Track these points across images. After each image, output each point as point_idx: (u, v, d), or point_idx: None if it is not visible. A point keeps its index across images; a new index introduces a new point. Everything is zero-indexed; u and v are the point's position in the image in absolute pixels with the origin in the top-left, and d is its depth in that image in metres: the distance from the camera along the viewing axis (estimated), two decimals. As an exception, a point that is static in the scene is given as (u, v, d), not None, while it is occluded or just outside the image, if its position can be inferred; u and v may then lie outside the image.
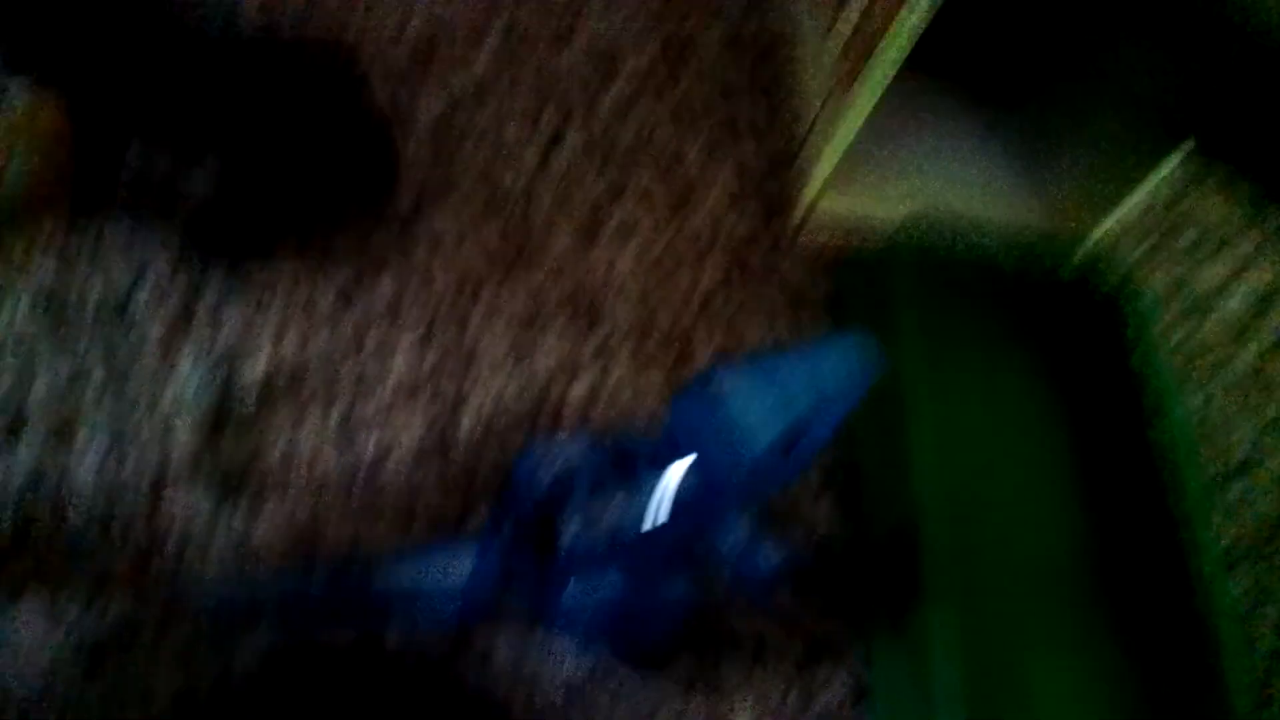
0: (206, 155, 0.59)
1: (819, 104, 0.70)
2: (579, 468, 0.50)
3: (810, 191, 0.71)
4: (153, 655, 0.51)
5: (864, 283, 0.69)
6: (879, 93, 0.61)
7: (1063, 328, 0.73)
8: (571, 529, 0.48)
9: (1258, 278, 0.82)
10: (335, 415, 0.59)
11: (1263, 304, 0.82)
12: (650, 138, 0.74)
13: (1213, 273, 0.82)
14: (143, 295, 0.60)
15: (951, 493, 0.60)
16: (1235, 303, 0.81)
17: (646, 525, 0.47)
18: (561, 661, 0.56)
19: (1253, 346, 0.79)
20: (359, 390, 0.60)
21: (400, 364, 0.61)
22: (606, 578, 0.49)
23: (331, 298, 0.62)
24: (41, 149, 0.50)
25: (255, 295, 0.61)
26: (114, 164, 0.59)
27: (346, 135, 0.62)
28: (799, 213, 0.72)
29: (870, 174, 0.73)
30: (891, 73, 0.60)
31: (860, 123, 0.64)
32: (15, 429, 0.55)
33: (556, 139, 0.72)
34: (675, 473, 0.47)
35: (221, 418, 0.58)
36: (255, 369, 0.59)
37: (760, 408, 0.44)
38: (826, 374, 0.45)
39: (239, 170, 0.59)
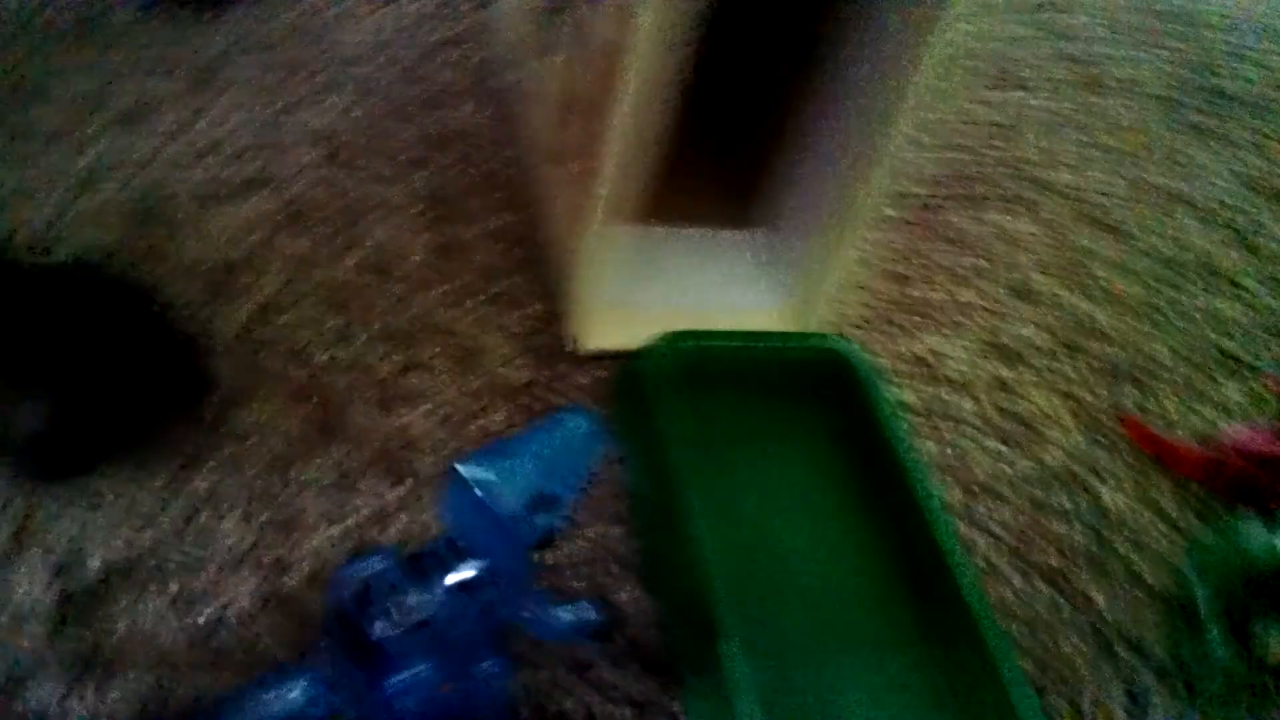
0: (31, 390, 0.67)
1: (570, 260, 0.84)
2: (373, 577, 0.57)
3: (574, 332, 0.84)
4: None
5: (631, 390, 0.80)
6: (609, 234, 0.75)
7: (808, 394, 0.85)
8: (376, 628, 0.55)
9: (971, 339, 0.97)
10: (169, 595, 0.65)
11: (985, 357, 0.96)
12: (426, 322, 0.85)
13: (926, 340, 0.96)
14: (-25, 528, 0.66)
15: (729, 548, 0.70)
16: (957, 363, 0.95)
17: (439, 611, 0.55)
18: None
19: (981, 397, 0.93)
20: (190, 571, 0.67)
21: (224, 543, 0.68)
22: (420, 669, 0.56)
23: (154, 497, 0.69)
24: None
25: (86, 503, 0.68)
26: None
27: (155, 357, 0.72)
28: (569, 351, 0.84)
29: (626, 310, 0.87)
30: (597, 217, 0.74)
31: (597, 267, 0.78)
32: None
33: (343, 336, 0.82)
34: (458, 563, 0.55)
35: (64, 614, 0.63)
36: (92, 566, 0.65)
37: (503, 483, 0.53)
38: (556, 446, 0.55)
39: (64, 399, 0.67)
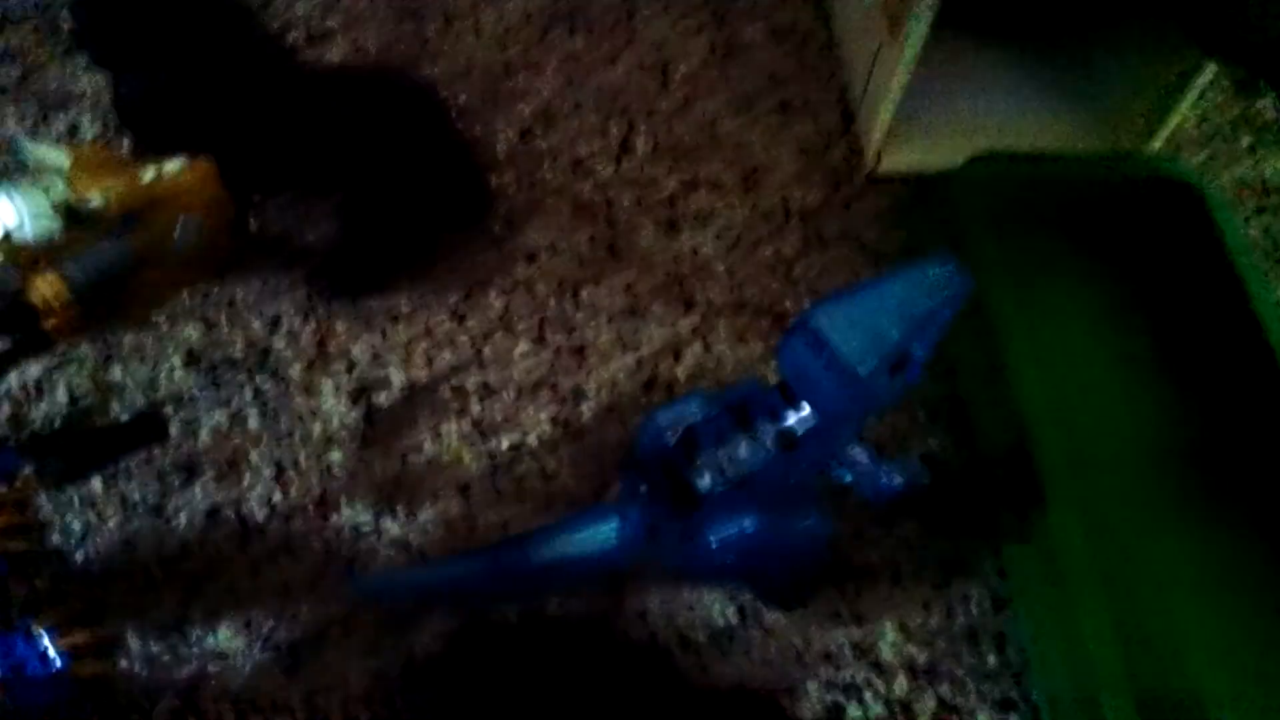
0: (317, 206, 0.65)
1: (868, 66, 0.75)
2: (700, 424, 0.54)
3: (871, 150, 0.76)
4: (343, 650, 0.56)
5: (936, 220, 0.72)
6: (922, 40, 0.65)
7: (1141, 228, 0.75)
8: (704, 480, 0.52)
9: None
10: (469, 420, 0.64)
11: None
12: (712, 132, 0.78)
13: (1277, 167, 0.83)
14: (279, 343, 0.66)
15: (1055, 400, 0.63)
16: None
17: (769, 464, 0.51)
18: (712, 609, 0.59)
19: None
20: (487, 395, 0.65)
21: (518, 368, 0.66)
22: (743, 520, 0.53)
23: (446, 319, 0.68)
24: (211, 214, 0.56)
25: (379, 326, 0.67)
26: (242, 224, 0.66)
27: (438, 168, 0.68)
28: (864, 172, 0.76)
29: (925, 126, 0.77)
30: (930, 17, 0.64)
31: (908, 74, 0.68)
32: (190, 473, 0.61)
33: (625, 147, 0.77)
34: (791, 414, 0.51)
35: (368, 437, 0.63)
36: (390, 391, 0.65)
37: (859, 337, 0.47)
38: (915, 297, 0.48)
39: (352, 213, 0.65)
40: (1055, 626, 0.58)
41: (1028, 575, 0.61)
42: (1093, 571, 0.56)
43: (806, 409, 0.50)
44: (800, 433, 0.51)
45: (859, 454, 0.54)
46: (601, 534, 0.56)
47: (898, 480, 0.54)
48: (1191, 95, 0.76)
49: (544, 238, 0.72)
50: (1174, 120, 0.78)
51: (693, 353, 0.68)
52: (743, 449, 0.52)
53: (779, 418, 0.51)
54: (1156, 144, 0.80)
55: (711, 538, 0.53)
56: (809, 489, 0.55)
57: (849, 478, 0.54)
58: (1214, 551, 0.65)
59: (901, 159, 0.77)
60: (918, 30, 0.66)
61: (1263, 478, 0.67)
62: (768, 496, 0.53)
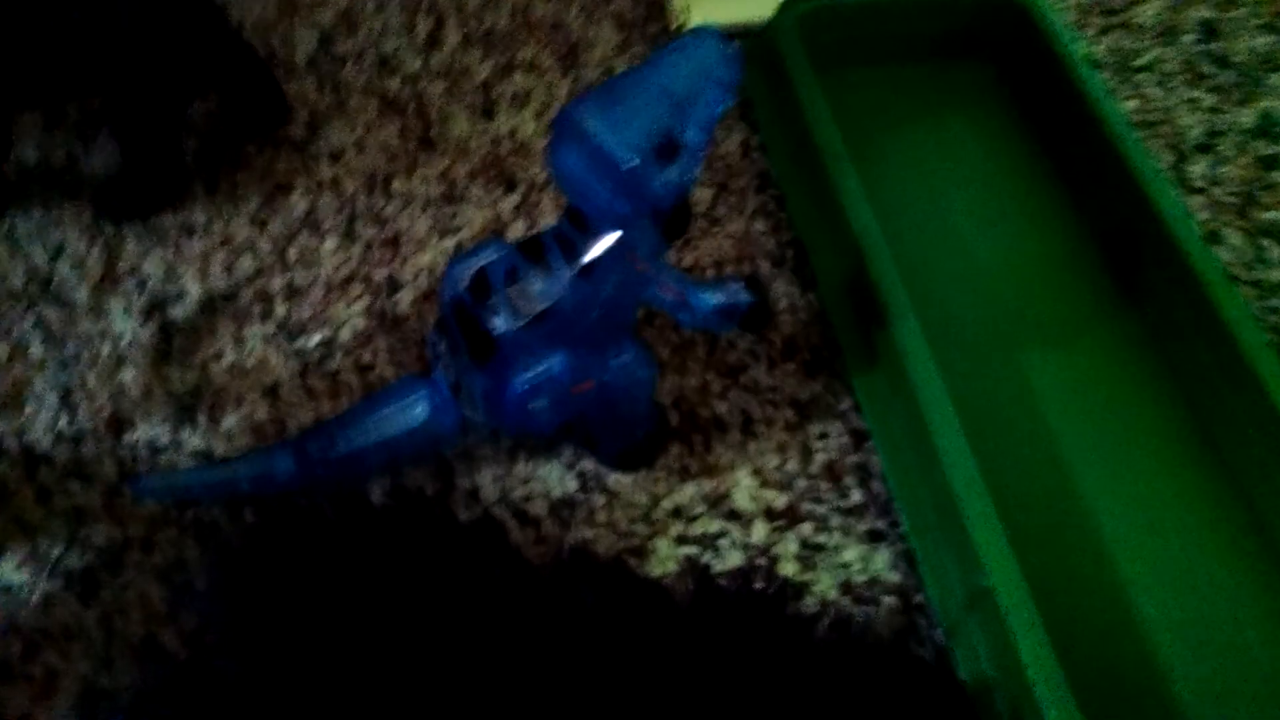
0: (99, 135, 0.60)
1: None
2: (491, 265, 0.49)
3: (677, 6, 0.72)
4: (143, 569, 0.51)
5: (762, 72, 0.69)
6: None
7: (975, 52, 0.72)
8: (498, 320, 0.47)
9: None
10: (273, 324, 0.59)
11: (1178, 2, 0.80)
12: (526, 18, 0.74)
13: (1115, -14, 0.81)
14: (64, 267, 0.61)
15: (897, 228, 0.59)
16: (1151, 7, 0.80)
17: (565, 296, 0.47)
18: (550, 480, 0.55)
19: (1185, 39, 0.78)
20: (292, 297, 0.60)
21: (327, 265, 0.62)
22: (549, 360, 0.49)
23: (246, 225, 0.63)
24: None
25: (173, 240, 0.62)
26: (3, 153, 0.61)
27: (231, 78, 0.64)
28: (679, 27, 0.72)
29: None
30: None
31: None
32: (-34, 412, 0.56)
33: (434, 42, 0.73)
34: (583, 240, 0.46)
35: (163, 353, 0.58)
36: (186, 303, 0.60)
37: (622, 126, 0.42)
38: (676, 76, 0.44)
39: (135, 132, 0.61)
40: (912, 450, 0.54)
41: (881, 403, 0.57)
42: (941, 389, 0.53)
43: (601, 235, 0.46)
44: (593, 256, 0.47)
45: (665, 274, 0.50)
46: (409, 405, 0.52)
47: (711, 300, 0.50)
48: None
49: (349, 136, 0.67)
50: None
51: (516, 230, 0.64)
52: (537, 282, 0.47)
53: (571, 245, 0.47)
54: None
55: (516, 381, 0.48)
56: (622, 324, 0.51)
57: (664, 303, 0.50)
58: (1083, 362, 0.62)
59: (709, 13, 0.73)
60: None
61: (1133, 285, 0.64)
62: (575, 333, 0.48)
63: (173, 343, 0.58)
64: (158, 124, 0.62)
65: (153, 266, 0.61)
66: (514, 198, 0.65)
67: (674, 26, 0.73)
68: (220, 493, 0.53)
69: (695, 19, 0.72)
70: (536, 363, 0.48)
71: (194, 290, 0.60)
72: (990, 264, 0.65)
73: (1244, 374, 0.56)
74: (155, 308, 0.59)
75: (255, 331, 0.59)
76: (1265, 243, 0.67)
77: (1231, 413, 0.57)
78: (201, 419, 0.56)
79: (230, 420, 0.56)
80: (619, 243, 0.46)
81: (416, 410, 0.52)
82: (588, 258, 0.47)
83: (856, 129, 0.65)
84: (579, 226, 0.47)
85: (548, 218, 0.64)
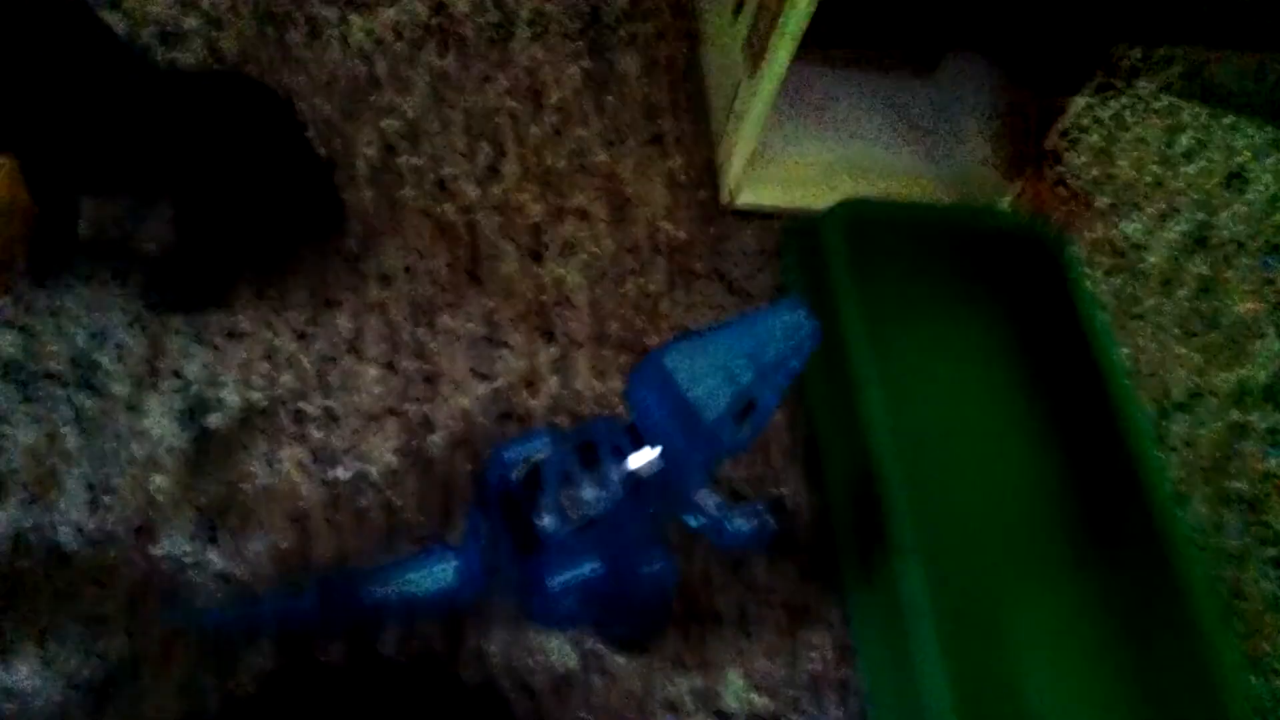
0: (157, 207, 0.61)
1: (729, 100, 0.74)
2: (546, 462, 0.52)
3: (729, 185, 0.76)
4: (156, 687, 0.52)
5: (804, 261, 0.72)
6: (783, 70, 0.65)
7: (1000, 282, 0.76)
8: (547, 522, 0.50)
9: (1176, 230, 0.87)
10: (308, 448, 0.61)
11: (1183, 254, 0.86)
12: (582, 161, 0.77)
13: (1132, 229, 0.86)
14: (105, 357, 0.62)
15: (907, 447, 0.63)
16: (1156, 255, 0.85)
17: (611, 507, 0.50)
18: (554, 652, 0.57)
19: (1181, 293, 0.83)
20: (329, 422, 0.62)
21: (366, 394, 0.64)
22: (585, 563, 0.51)
23: (291, 338, 0.64)
24: (3, 217, 0.51)
25: (216, 343, 0.63)
26: (68, 226, 0.61)
27: (291, 180, 0.65)
28: (724, 205, 0.76)
29: (784, 165, 0.78)
30: (793, 47, 0.64)
31: (768, 105, 0.69)
32: (-5, 494, 0.57)
33: (493, 171, 0.75)
34: (638, 456, 0.49)
35: (197, 462, 0.59)
36: (225, 413, 0.61)
37: (707, 381, 0.46)
38: (765, 343, 0.47)
39: (191, 220, 0.62)
40: (894, 676, 0.58)
41: (871, 624, 0.61)
42: (932, 623, 0.56)
43: (654, 452, 0.49)
44: (646, 476, 0.49)
45: (706, 500, 0.53)
46: (439, 574, 0.54)
47: (744, 527, 0.54)
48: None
49: (401, 259, 0.69)
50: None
51: (550, 386, 0.66)
52: (588, 490, 0.50)
53: (625, 459, 0.50)
54: (1006, 201, 0.82)
55: (553, 581, 0.51)
56: (655, 533, 0.54)
57: (696, 523, 0.53)
58: (1056, 609, 0.66)
59: (760, 195, 0.77)
60: (775, 70, 0.66)
61: (1106, 534, 0.69)
62: (612, 540, 0.51)
63: (208, 453, 0.59)
64: (220, 222, 0.63)
65: (195, 368, 0.62)
66: (553, 351, 0.68)
67: (724, 202, 0.76)
68: (244, 625, 0.54)
69: (744, 198, 0.76)
70: (574, 565, 0.51)
71: (233, 400, 0.61)
72: (989, 489, 0.69)
73: (1194, 644, 0.60)
74: (193, 412, 0.61)
75: (289, 454, 0.60)
76: (1224, 512, 0.72)
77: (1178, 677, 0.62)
78: (227, 539, 0.57)
79: (255, 545, 0.57)
80: (672, 471, 0.49)
81: (445, 579, 0.54)
82: (640, 472, 0.50)
83: (883, 331, 0.68)
84: (637, 444, 0.50)
85: (581, 378, 0.67)
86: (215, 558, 0.56)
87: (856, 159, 0.82)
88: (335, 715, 0.53)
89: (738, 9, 0.74)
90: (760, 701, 0.58)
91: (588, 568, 0.51)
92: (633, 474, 0.49)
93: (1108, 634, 0.65)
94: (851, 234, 0.71)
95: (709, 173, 0.79)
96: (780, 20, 0.63)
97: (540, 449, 0.53)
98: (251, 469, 0.60)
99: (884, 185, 0.80)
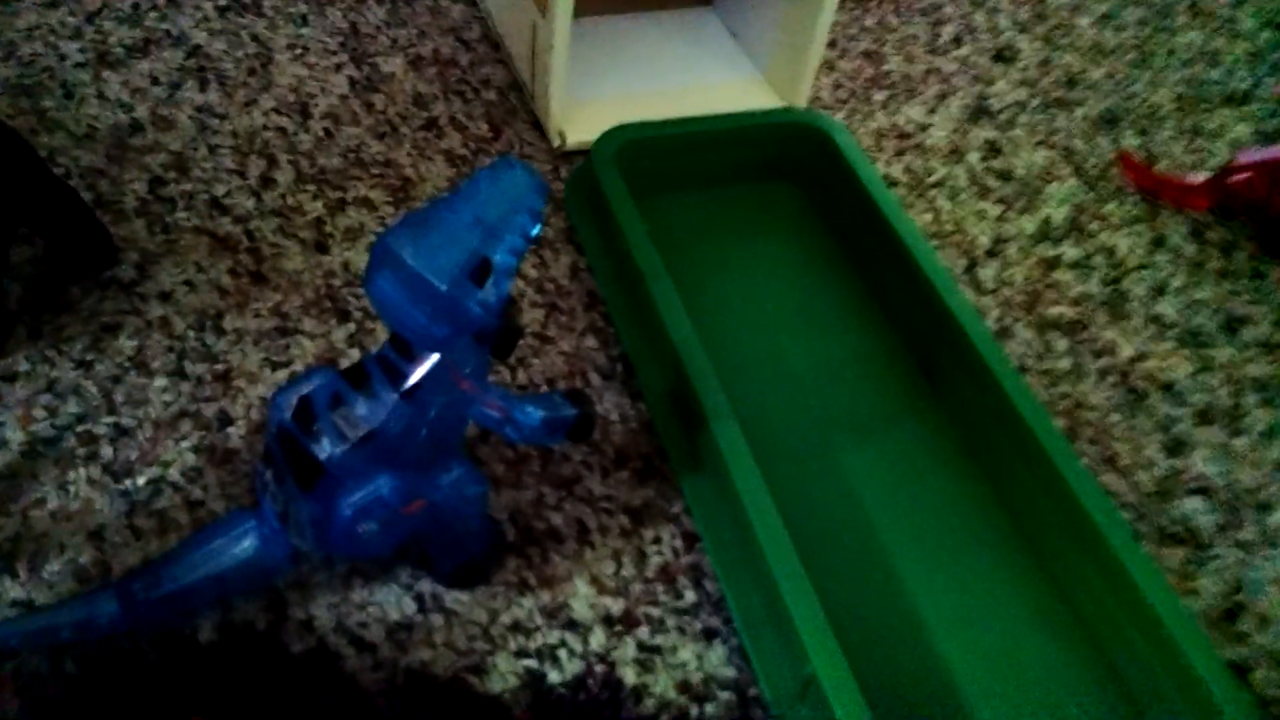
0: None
1: (529, 47, 0.78)
2: (314, 392, 0.50)
3: (553, 130, 0.79)
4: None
5: (587, 197, 0.73)
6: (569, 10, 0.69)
7: (783, 177, 0.78)
8: (323, 445, 0.48)
9: (955, 105, 0.89)
10: (100, 465, 0.58)
11: (967, 124, 0.88)
12: (359, 157, 0.77)
13: (913, 112, 0.88)
14: (-126, 422, 0.59)
15: (715, 341, 0.63)
16: (941, 130, 0.87)
17: (390, 418, 0.48)
18: (387, 603, 0.55)
19: (971, 157, 0.85)
20: (120, 437, 0.60)
21: (156, 404, 0.62)
22: (376, 482, 0.49)
23: (71, 368, 0.62)
24: None
25: (-6, 385, 0.61)
26: None
27: (54, 228, 0.64)
28: (555, 149, 0.80)
29: (602, 100, 0.82)
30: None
31: (566, 35, 0.72)
32: None
33: (267, 182, 0.74)
34: (407, 364, 0.48)
35: (-19, 500, 0.57)
36: (7, 452, 0.58)
37: (436, 252, 0.45)
38: (486, 203, 0.47)
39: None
40: (739, 549, 0.57)
41: (707, 501, 0.60)
42: (763, 489, 0.55)
43: (424, 358, 0.48)
44: (416, 378, 0.48)
45: (493, 396, 0.51)
46: (237, 538, 0.51)
47: (536, 415, 0.52)
48: (814, 56, 0.80)
49: (179, 276, 0.68)
50: (809, 79, 0.82)
51: (350, 359, 0.65)
52: (361, 407, 0.49)
53: (394, 369, 0.49)
54: (802, 103, 0.84)
55: (342, 504, 0.49)
56: (450, 444, 0.52)
57: (490, 421, 0.52)
58: (896, 448, 0.66)
59: (585, 133, 0.79)
60: (563, 19, 0.69)
61: (926, 377, 0.69)
62: (401, 455, 0.50)
63: (-9, 492, 0.57)
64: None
65: (-29, 415, 0.60)
66: (348, 327, 0.67)
67: (555, 146, 0.80)
68: (41, 642, 0.51)
69: (573, 137, 0.79)
70: (363, 486, 0.49)
71: (16, 437, 0.59)
72: (806, 369, 0.69)
73: (1039, 457, 0.60)
74: (-27, 456, 0.58)
75: (80, 475, 0.58)
76: (1050, 336, 0.73)
77: (1030, 494, 0.62)
78: (22, 569, 0.54)
79: (53, 567, 0.54)
80: (440, 364, 0.48)
81: (245, 543, 0.51)
82: (411, 381, 0.48)
83: (675, 249, 0.69)
84: (402, 352, 0.48)
85: (379, 347, 0.66)
86: (10, 587, 0.53)
87: (665, 88, 0.85)
88: (151, 708, 0.50)
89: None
90: (610, 603, 0.56)
91: (378, 483, 0.49)
92: (401, 379, 0.48)
93: (950, 464, 0.65)
94: (624, 158, 0.72)
95: (488, 143, 0.79)
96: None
97: (313, 383, 0.52)
98: (42, 497, 0.57)
99: (702, 99, 0.83)
